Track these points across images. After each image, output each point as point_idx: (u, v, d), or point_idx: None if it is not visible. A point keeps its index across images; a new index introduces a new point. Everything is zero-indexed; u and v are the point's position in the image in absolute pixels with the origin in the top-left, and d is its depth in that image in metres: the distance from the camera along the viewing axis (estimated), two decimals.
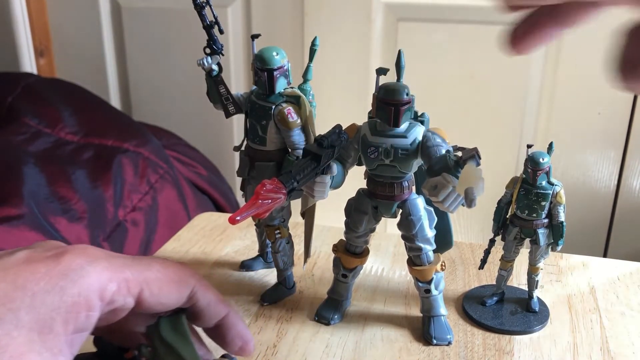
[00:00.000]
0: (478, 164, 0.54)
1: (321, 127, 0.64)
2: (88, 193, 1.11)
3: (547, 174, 0.64)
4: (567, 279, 0.78)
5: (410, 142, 0.60)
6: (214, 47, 0.65)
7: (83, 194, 1.10)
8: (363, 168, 0.64)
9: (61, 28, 1.63)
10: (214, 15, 0.64)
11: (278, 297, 0.72)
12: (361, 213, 0.64)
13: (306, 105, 0.64)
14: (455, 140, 0.63)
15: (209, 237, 0.88)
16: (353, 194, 0.66)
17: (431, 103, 1.13)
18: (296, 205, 0.69)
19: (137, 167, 1.21)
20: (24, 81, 1.39)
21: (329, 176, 0.59)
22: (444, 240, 0.69)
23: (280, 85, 0.64)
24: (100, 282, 0.38)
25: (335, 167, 0.60)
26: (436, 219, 0.64)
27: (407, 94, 0.59)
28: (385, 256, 0.83)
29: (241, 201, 0.87)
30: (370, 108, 0.62)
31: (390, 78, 0.62)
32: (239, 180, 0.73)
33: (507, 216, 0.68)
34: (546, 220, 0.65)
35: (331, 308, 0.69)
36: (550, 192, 0.64)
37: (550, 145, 0.64)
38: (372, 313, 0.70)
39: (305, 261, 0.74)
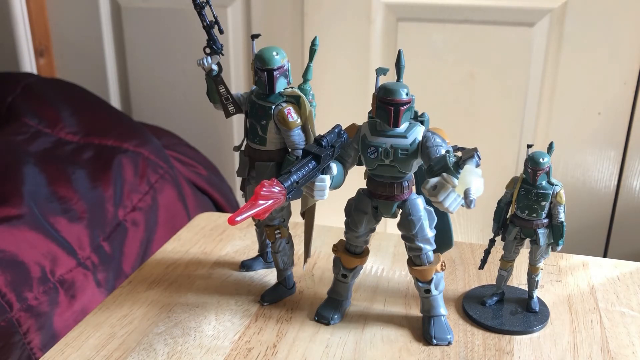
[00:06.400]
0: (478, 164, 0.54)
1: (321, 127, 0.64)
2: (88, 193, 1.11)
3: (547, 174, 0.64)
4: (567, 279, 0.78)
5: (410, 142, 0.60)
6: (213, 47, 0.65)
7: (83, 194, 1.10)
8: (363, 168, 0.64)
9: (61, 28, 1.62)
10: (214, 15, 0.64)
11: (278, 297, 0.72)
12: (361, 213, 0.64)
13: (306, 105, 0.64)
14: (455, 140, 0.63)
15: (209, 237, 0.88)
16: (353, 194, 0.66)
17: (431, 103, 1.13)
18: (296, 205, 0.69)
19: (137, 167, 1.21)
20: (24, 81, 1.39)
21: (329, 176, 0.59)
22: (444, 240, 0.69)
23: (280, 85, 0.64)
24: None
25: (335, 167, 0.60)
26: (436, 219, 0.64)
27: (407, 94, 0.59)
28: (385, 256, 0.83)
29: (241, 201, 0.87)
30: (370, 108, 0.62)
31: (390, 78, 0.62)
32: (239, 180, 0.73)
33: (507, 216, 0.68)
34: (546, 220, 0.65)
35: (331, 308, 0.69)
36: (550, 192, 0.64)
37: (550, 145, 0.64)
38: (372, 313, 0.70)
39: (305, 261, 0.74)
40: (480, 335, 0.66)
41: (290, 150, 0.66)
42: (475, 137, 1.34)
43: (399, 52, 0.63)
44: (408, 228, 0.63)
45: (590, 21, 1.21)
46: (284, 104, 0.64)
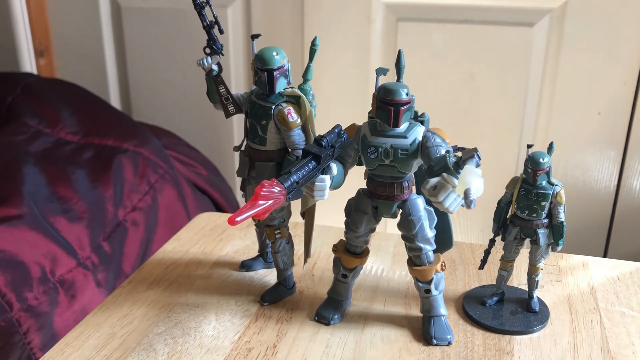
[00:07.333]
0: (478, 165, 0.54)
1: (321, 127, 0.64)
2: (88, 193, 1.11)
3: (547, 174, 0.64)
4: (567, 279, 0.78)
5: (410, 142, 0.60)
6: (214, 47, 0.65)
7: (83, 194, 1.10)
8: (363, 168, 0.64)
9: (61, 28, 1.62)
10: (214, 15, 0.64)
11: (278, 297, 0.72)
12: (361, 213, 0.64)
13: (306, 105, 0.64)
14: (455, 140, 0.63)
15: (209, 237, 0.88)
16: (353, 194, 0.66)
17: (431, 103, 1.13)
18: (296, 205, 0.69)
19: (137, 167, 1.21)
20: (24, 81, 1.39)
21: (329, 176, 0.59)
22: (444, 240, 0.69)
23: (280, 85, 0.64)
24: None
25: (335, 168, 0.60)
26: (436, 219, 0.64)
27: (407, 94, 0.59)
28: (385, 256, 0.83)
29: (241, 201, 0.87)
30: (370, 108, 0.62)
31: (390, 78, 0.62)
32: (239, 180, 0.73)
33: (507, 216, 0.68)
34: (546, 220, 0.65)
35: (331, 308, 0.69)
36: (550, 192, 0.64)
37: (550, 145, 0.64)
38: (372, 313, 0.70)
39: (305, 261, 0.74)
40: (480, 335, 0.66)
41: (290, 150, 0.66)
42: (475, 137, 1.34)
43: (399, 52, 0.63)
44: (408, 228, 0.63)
45: (590, 21, 1.21)
46: (284, 104, 0.64)
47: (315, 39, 0.66)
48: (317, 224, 0.74)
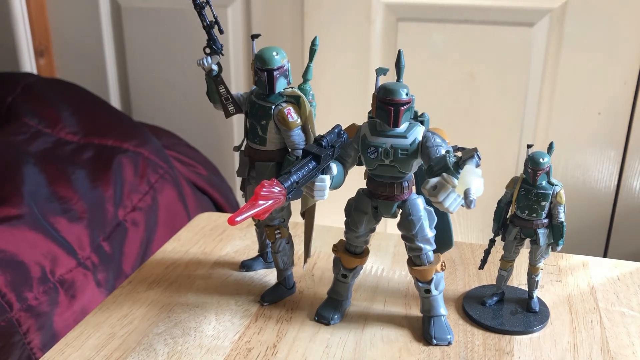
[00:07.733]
0: (478, 165, 0.54)
1: (321, 127, 0.64)
2: (88, 193, 1.11)
3: (547, 174, 0.64)
4: (567, 279, 0.78)
5: (410, 142, 0.60)
6: (213, 47, 0.65)
7: (83, 194, 1.10)
8: (363, 168, 0.64)
9: (61, 28, 1.62)
10: (214, 15, 0.64)
11: (278, 297, 0.72)
12: (361, 213, 0.64)
13: (306, 105, 0.64)
14: (455, 140, 0.63)
15: (209, 237, 0.88)
16: (353, 194, 0.66)
17: (431, 103, 1.13)
18: (296, 205, 0.69)
19: (137, 167, 1.21)
20: (24, 81, 1.39)
21: (329, 176, 0.59)
22: (444, 240, 0.69)
23: (280, 85, 0.64)
24: None
25: (335, 168, 0.60)
26: (436, 219, 0.64)
27: (407, 94, 0.59)
28: (385, 256, 0.83)
29: (241, 201, 0.87)
30: (370, 108, 0.62)
31: (390, 78, 0.62)
32: (239, 180, 0.73)
33: (507, 216, 0.68)
34: (546, 220, 0.65)
35: (331, 308, 0.69)
36: (550, 192, 0.64)
37: (550, 145, 0.64)
38: (372, 313, 0.70)
39: (305, 261, 0.74)
40: (480, 335, 0.66)
41: (290, 150, 0.66)
42: (475, 137, 1.34)
43: (399, 52, 0.63)
44: (408, 228, 0.63)
45: (590, 21, 1.21)
46: (284, 104, 0.64)
47: (315, 39, 0.66)
48: (317, 224, 0.74)
